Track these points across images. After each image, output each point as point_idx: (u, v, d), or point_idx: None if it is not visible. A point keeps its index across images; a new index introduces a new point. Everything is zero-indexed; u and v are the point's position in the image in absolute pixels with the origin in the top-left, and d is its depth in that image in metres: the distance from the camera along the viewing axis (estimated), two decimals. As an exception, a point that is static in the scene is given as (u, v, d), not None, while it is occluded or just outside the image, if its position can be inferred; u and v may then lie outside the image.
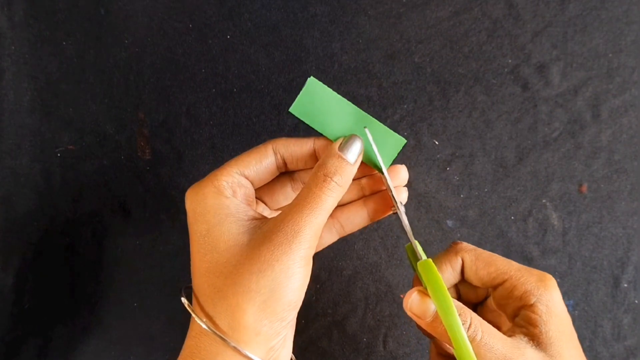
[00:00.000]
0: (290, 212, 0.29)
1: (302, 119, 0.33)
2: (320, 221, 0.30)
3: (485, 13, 0.45)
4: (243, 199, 0.31)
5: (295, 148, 0.33)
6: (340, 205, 0.35)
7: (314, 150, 0.33)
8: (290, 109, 0.33)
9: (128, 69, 0.47)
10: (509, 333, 0.30)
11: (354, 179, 0.32)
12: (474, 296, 0.34)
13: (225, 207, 0.30)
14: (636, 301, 0.44)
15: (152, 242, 0.47)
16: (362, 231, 0.46)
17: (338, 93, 0.33)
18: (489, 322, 0.33)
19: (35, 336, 0.48)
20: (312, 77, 0.33)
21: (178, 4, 0.46)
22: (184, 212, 0.47)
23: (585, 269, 0.45)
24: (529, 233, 0.45)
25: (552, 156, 0.45)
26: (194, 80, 0.46)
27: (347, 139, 0.32)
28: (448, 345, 0.34)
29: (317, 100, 0.33)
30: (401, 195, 0.34)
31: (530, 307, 0.30)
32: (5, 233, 0.47)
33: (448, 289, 0.33)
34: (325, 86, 0.33)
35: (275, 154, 0.33)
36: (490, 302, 0.33)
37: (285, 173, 0.35)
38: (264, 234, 0.29)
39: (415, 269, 0.34)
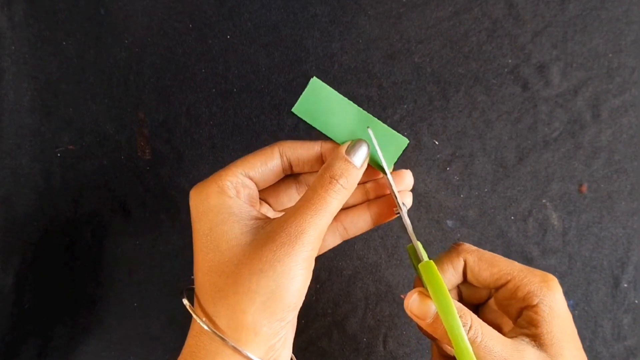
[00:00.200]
0: (294, 213, 0.29)
1: (304, 118, 0.33)
2: (324, 223, 0.29)
3: (485, 13, 0.45)
4: (246, 200, 0.31)
5: (302, 151, 0.33)
6: (344, 209, 0.35)
7: (321, 154, 0.33)
8: (293, 109, 0.33)
9: (128, 69, 0.47)
10: (511, 334, 0.30)
11: (358, 183, 0.32)
12: (476, 297, 0.34)
13: (228, 206, 0.30)
14: (636, 301, 0.44)
15: (152, 242, 0.47)
16: (362, 231, 0.46)
17: (338, 93, 0.33)
18: (491, 322, 0.33)
19: (35, 336, 0.48)
20: (315, 77, 0.33)
21: (178, 4, 0.46)
22: (184, 212, 0.47)
23: (585, 269, 0.45)
24: (529, 233, 0.45)
25: (552, 156, 0.45)
26: (194, 80, 0.46)
27: (355, 143, 0.32)
28: (448, 347, 0.34)
29: (320, 101, 0.33)
30: (405, 200, 0.34)
31: (533, 307, 0.30)
32: (5, 233, 0.47)
33: (450, 290, 0.33)
34: (328, 86, 0.33)
35: (281, 156, 0.33)
36: (492, 302, 0.33)
37: (290, 175, 0.35)
38: (266, 234, 0.29)
39: (416, 270, 0.34)
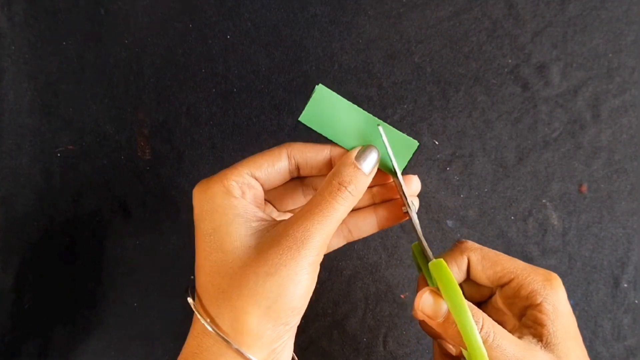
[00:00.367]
0: (301, 217, 0.29)
1: (312, 127, 0.33)
2: (331, 229, 0.29)
3: (485, 13, 0.45)
4: (252, 200, 0.31)
5: (310, 154, 0.32)
6: (350, 211, 0.35)
7: (330, 158, 0.33)
8: (300, 118, 0.33)
9: (128, 69, 0.47)
10: (517, 333, 0.30)
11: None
12: (478, 295, 0.34)
13: (234, 207, 0.30)
14: (636, 301, 0.44)
15: (152, 242, 0.47)
16: (362, 231, 0.46)
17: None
18: (494, 320, 0.33)
19: (35, 336, 0.48)
20: (320, 84, 0.32)
21: (178, 4, 0.46)
22: (184, 212, 0.47)
23: (585, 269, 0.45)
24: (529, 233, 0.45)
25: (552, 156, 0.45)
26: (194, 80, 0.46)
27: (364, 149, 0.31)
28: (451, 347, 0.34)
29: (327, 108, 0.32)
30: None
31: (537, 306, 0.30)
32: (5, 233, 0.47)
33: None
34: (334, 93, 0.32)
35: (289, 158, 0.32)
36: (495, 300, 0.33)
37: (296, 178, 0.34)
38: (272, 237, 0.29)
39: (420, 269, 0.34)
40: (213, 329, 0.28)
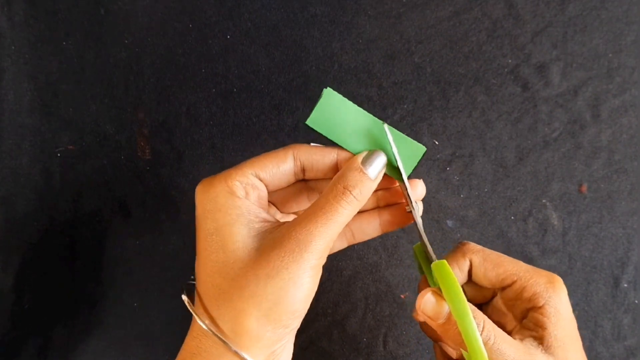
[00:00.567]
0: (304, 219, 0.29)
1: (319, 131, 0.32)
2: (334, 233, 0.29)
3: (485, 13, 0.45)
4: (255, 201, 0.30)
5: (317, 157, 0.32)
6: None
7: (336, 162, 0.32)
8: (307, 122, 0.32)
9: (128, 69, 0.47)
10: (518, 335, 0.30)
11: None
12: (480, 297, 0.34)
13: (237, 207, 0.29)
14: (636, 301, 0.44)
15: (152, 242, 0.47)
16: (362, 231, 0.46)
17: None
18: (494, 322, 0.33)
19: (35, 336, 0.48)
20: (328, 88, 0.32)
21: (178, 4, 0.46)
22: (184, 212, 0.47)
23: (585, 269, 0.45)
24: (529, 233, 0.45)
25: (552, 156, 0.45)
26: (194, 80, 0.46)
27: (371, 154, 0.31)
28: (451, 350, 0.34)
29: (334, 112, 0.32)
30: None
31: (539, 309, 0.30)
32: (5, 233, 0.47)
33: None
34: (342, 97, 0.32)
35: (294, 160, 0.32)
36: (496, 302, 0.33)
37: (302, 181, 0.34)
38: (274, 239, 0.29)
39: (422, 270, 0.34)
40: (211, 331, 0.28)
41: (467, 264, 0.32)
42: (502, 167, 0.45)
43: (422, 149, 0.33)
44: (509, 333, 0.31)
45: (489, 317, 0.33)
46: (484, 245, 0.33)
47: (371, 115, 0.32)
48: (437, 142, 0.45)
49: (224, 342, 0.28)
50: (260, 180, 0.31)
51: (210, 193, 0.30)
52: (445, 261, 0.30)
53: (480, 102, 0.45)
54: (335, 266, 0.46)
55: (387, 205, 0.35)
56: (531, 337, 0.30)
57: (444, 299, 0.29)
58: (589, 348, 0.45)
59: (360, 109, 0.32)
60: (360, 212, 0.35)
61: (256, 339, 0.28)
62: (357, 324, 0.46)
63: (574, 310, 0.45)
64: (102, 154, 0.47)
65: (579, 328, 0.31)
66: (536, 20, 0.44)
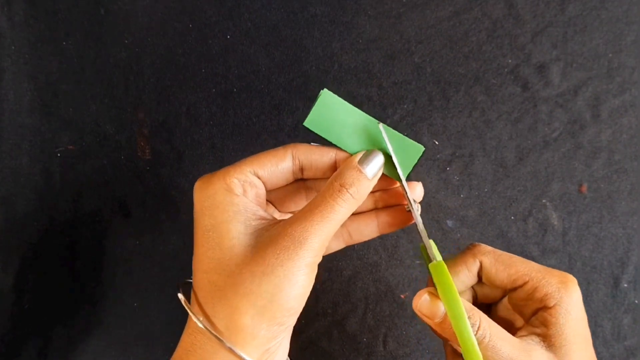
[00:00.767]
0: (300, 217, 0.29)
1: (316, 132, 0.33)
2: (330, 231, 0.29)
3: (485, 13, 0.45)
4: (253, 199, 0.31)
5: (315, 156, 0.32)
6: (352, 215, 0.35)
7: (335, 161, 0.32)
8: (305, 123, 0.32)
9: (128, 69, 0.47)
10: (523, 332, 0.30)
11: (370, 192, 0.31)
12: (491, 296, 0.34)
13: (234, 204, 0.29)
14: (636, 301, 0.44)
15: (152, 242, 0.47)
16: (362, 231, 0.46)
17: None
18: (506, 319, 0.33)
19: (35, 336, 0.48)
20: (325, 89, 0.32)
21: (178, 4, 0.46)
22: (184, 212, 0.47)
23: (585, 269, 0.45)
24: (529, 233, 0.45)
25: (552, 156, 0.45)
26: (194, 80, 0.46)
27: (369, 153, 0.31)
28: (456, 346, 0.34)
29: (332, 113, 0.32)
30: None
31: (549, 309, 0.30)
32: (5, 233, 0.47)
33: (464, 290, 0.33)
34: (339, 98, 0.32)
35: (293, 158, 0.32)
36: (507, 300, 0.33)
37: (300, 180, 0.34)
38: (270, 236, 0.29)
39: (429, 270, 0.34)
40: (206, 327, 0.28)
41: (477, 265, 0.32)
42: (502, 167, 0.45)
43: (420, 148, 0.33)
44: (518, 330, 0.31)
45: (499, 314, 0.33)
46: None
47: (368, 116, 0.33)
48: (437, 142, 0.45)
49: (218, 339, 0.28)
50: (259, 178, 0.31)
51: (209, 190, 0.30)
52: (442, 262, 0.30)
53: (480, 102, 0.45)
54: (335, 266, 0.46)
55: (386, 207, 0.35)
56: (534, 334, 0.30)
57: (440, 299, 0.29)
58: (589, 348, 0.45)
59: (358, 110, 0.33)
60: (358, 213, 0.35)
61: (251, 336, 0.28)
62: (357, 324, 0.46)
63: (574, 310, 0.45)
64: (102, 154, 0.47)
65: (580, 328, 0.31)
66: (536, 20, 0.44)
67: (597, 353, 0.45)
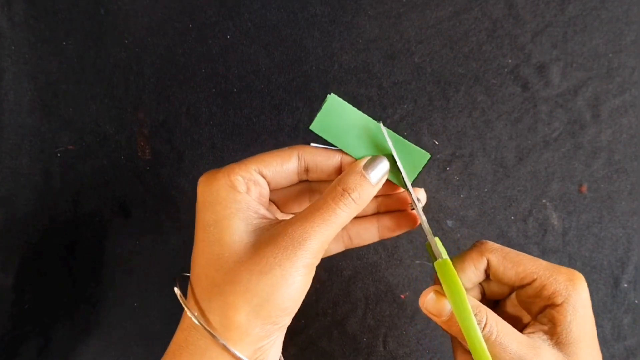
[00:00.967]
0: (301, 218, 0.29)
1: (322, 136, 0.33)
2: (330, 234, 0.29)
3: (485, 13, 0.45)
4: (256, 197, 0.31)
5: (321, 158, 0.32)
6: (353, 218, 0.35)
7: (340, 164, 0.33)
8: (311, 127, 0.33)
9: (128, 69, 0.47)
10: (530, 329, 0.30)
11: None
12: (499, 292, 0.34)
13: (237, 201, 0.29)
14: (636, 301, 0.44)
15: (152, 242, 0.47)
16: (362, 231, 0.46)
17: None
18: (513, 315, 0.33)
19: (35, 336, 0.48)
20: (332, 93, 0.32)
21: (178, 4, 0.46)
22: (184, 212, 0.47)
23: (585, 269, 0.45)
24: (529, 233, 0.45)
25: (552, 156, 0.45)
26: (194, 80, 0.46)
27: (374, 159, 0.31)
28: (464, 343, 0.34)
29: (338, 117, 0.32)
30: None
31: (557, 307, 0.30)
32: (5, 233, 0.47)
33: (471, 288, 0.33)
34: (346, 102, 0.32)
35: (299, 159, 0.32)
36: (515, 296, 0.33)
37: (304, 182, 0.34)
38: (270, 235, 0.29)
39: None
40: (199, 322, 0.28)
41: (484, 263, 0.32)
42: (502, 167, 0.45)
43: (426, 155, 0.33)
44: (525, 327, 0.31)
45: (507, 311, 0.33)
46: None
47: (375, 121, 0.33)
48: (437, 142, 0.45)
49: (211, 334, 0.28)
50: (263, 177, 0.31)
51: (212, 185, 0.30)
52: (447, 259, 0.30)
53: (480, 102, 0.45)
54: (335, 266, 0.46)
55: (387, 212, 0.35)
56: (541, 331, 0.29)
57: (446, 297, 0.29)
58: (589, 348, 0.44)
59: (365, 115, 0.33)
60: (359, 217, 0.35)
61: (244, 333, 0.28)
62: (357, 324, 0.46)
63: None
64: (102, 154, 0.47)
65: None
66: (536, 20, 0.44)
67: (597, 353, 0.45)
